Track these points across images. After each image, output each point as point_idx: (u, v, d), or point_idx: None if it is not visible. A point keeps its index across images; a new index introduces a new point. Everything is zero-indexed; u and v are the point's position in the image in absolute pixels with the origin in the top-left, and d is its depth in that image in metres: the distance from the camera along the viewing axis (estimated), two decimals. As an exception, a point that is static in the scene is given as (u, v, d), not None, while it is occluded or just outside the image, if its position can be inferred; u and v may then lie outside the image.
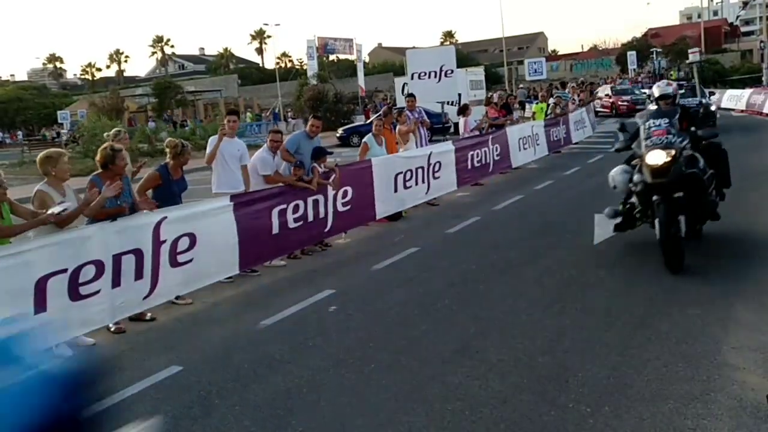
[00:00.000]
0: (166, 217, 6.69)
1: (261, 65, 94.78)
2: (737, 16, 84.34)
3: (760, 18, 58.35)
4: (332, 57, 65.36)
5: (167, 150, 7.54)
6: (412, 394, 4.65)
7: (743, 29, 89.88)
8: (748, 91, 32.10)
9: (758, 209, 9.61)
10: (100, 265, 6.03)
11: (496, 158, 14.94)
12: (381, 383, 4.86)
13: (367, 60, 60.99)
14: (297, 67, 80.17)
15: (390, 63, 72.96)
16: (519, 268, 7.66)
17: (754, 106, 28.99)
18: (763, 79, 39.10)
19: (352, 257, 8.93)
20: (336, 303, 6.81)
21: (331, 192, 9.12)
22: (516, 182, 14.43)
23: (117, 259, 6.19)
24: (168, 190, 7.33)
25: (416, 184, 11.54)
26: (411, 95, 13.17)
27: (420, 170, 11.63)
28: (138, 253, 6.39)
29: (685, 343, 5.13)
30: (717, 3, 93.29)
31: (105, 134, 9.23)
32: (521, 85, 42.56)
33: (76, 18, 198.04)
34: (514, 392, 4.53)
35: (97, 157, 6.52)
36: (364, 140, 11.26)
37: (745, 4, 78.61)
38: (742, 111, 29.96)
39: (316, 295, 7.10)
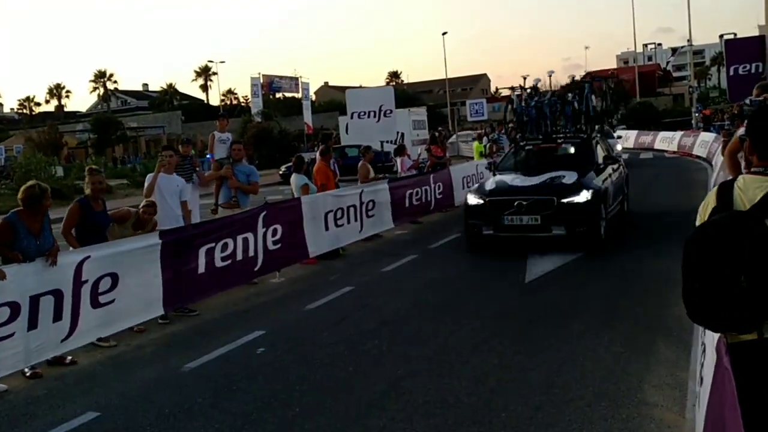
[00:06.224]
0: (89, 257, 6.47)
1: (206, 102, 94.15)
2: (667, 62, 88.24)
3: (690, 64, 61.03)
4: (278, 95, 65.46)
5: (86, 176, 7.24)
6: (335, 438, 4.57)
7: (676, 74, 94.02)
8: (679, 134, 33.49)
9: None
10: (15, 307, 5.77)
11: (438, 196, 15.08)
12: (303, 427, 4.75)
13: (313, 98, 61.15)
14: (243, 104, 79.92)
15: (336, 101, 73.36)
16: (451, 307, 7.67)
17: (685, 147, 30.28)
18: (693, 122, 40.78)
19: (286, 297, 8.80)
20: (265, 344, 6.67)
21: (261, 229, 9.00)
22: (455, 220, 14.52)
23: (34, 300, 5.93)
24: (93, 221, 7.06)
25: (348, 222, 11.45)
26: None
27: (352, 208, 11.56)
28: (57, 294, 6.14)
29: (608, 382, 5.20)
30: (651, 49, 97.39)
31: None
32: (440, 128, 42.09)
33: (14, 51, 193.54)
34: (438, 434, 4.49)
35: (20, 195, 6.21)
36: (305, 182, 11.12)
37: (674, 50, 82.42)
38: (674, 152, 31.15)
39: (246, 336, 6.94)
